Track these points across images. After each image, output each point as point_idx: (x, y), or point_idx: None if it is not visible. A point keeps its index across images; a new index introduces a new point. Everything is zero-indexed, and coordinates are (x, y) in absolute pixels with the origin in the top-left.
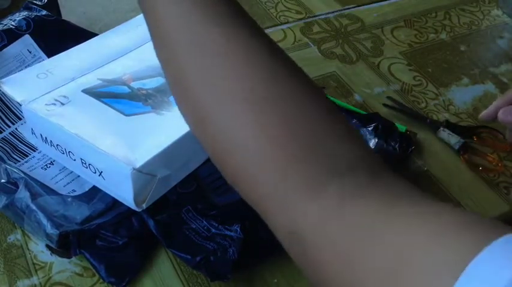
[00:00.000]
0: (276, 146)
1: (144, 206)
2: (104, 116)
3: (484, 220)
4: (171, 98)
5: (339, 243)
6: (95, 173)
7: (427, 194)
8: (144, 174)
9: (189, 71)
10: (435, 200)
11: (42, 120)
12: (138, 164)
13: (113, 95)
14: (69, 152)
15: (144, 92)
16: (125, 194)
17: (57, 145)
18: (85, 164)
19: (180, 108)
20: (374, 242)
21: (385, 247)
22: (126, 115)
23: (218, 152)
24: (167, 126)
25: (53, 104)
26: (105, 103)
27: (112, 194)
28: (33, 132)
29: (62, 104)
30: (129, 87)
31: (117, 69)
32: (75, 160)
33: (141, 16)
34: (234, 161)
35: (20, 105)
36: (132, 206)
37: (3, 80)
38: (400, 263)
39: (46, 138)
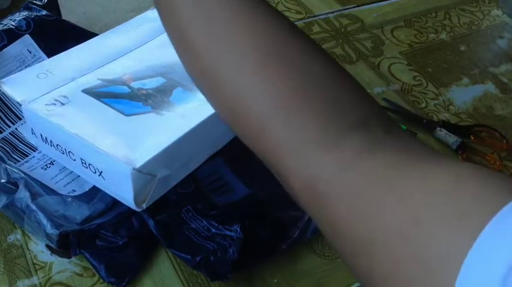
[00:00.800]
0: (288, 98)
1: (144, 206)
2: (104, 116)
3: (504, 177)
4: (171, 98)
5: (355, 195)
6: (95, 173)
7: (439, 152)
8: (144, 174)
9: (195, 29)
10: (451, 157)
11: (42, 120)
12: (138, 164)
13: (113, 95)
14: (69, 152)
15: (144, 92)
16: (125, 194)
17: (57, 145)
18: (85, 164)
19: (184, 63)
20: (391, 195)
21: (402, 199)
22: (126, 115)
23: (228, 103)
24: (167, 126)
25: (53, 104)
26: (105, 103)
27: (112, 194)
28: (33, 133)
29: (62, 104)
30: (129, 87)
31: (117, 69)
32: (75, 160)
33: (141, 16)
34: (246, 112)
35: (20, 105)
36: (132, 206)
37: (3, 80)
38: (416, 216)
39: (46, 138)
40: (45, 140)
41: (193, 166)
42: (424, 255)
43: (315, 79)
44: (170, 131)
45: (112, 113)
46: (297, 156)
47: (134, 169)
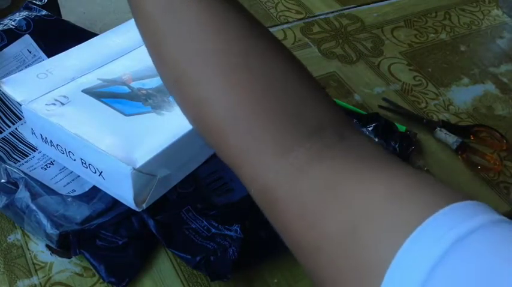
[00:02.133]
0: (246, 106)
1: (144, 206)
2: (104, 116)
3: (437, 186)
4: (171, 98)
5: (303, 201)
6: (95, 173)
7: (392, 156)
8: (144, 174)
9: (165, 34)
10: (397, 163)
11: (42, 120)
12: (138, 164)
13: (113, 95)
14: (69, 152)
15: (144, 92)
16: (125, 194)
17: (57, 145)
18: (85, 164)
19: (158, 71)
20: (334, 202)
21: (343, 207)
22: (126, 115)
23: (194, 111)
24: (167, 126)
25: (52, 104)
26: (105, 103)
27: (112, 194)
28: (33, 132)
29: (62, 104)
30: (129, 87)
31: (117, 69)
32: (75, 159)
33: None
34: (208, 120)
35: (20, 105)
36: (132, 206)
37: (3, 80)
38: (357, 222)
39: (46, 138)
40: (45, 140)
41: (193, 166)
42: (358, 263)
43: (275, 85)
44: (170, 131)
45: (112, 113)
46: (253, 162)
47: (134, 169)
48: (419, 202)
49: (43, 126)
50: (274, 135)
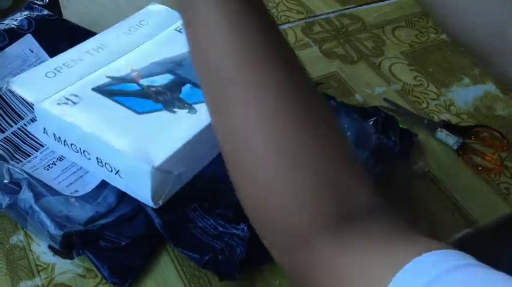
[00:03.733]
0: (290, 205)
1: (161, 202)
2: (117, 115)
3: (414, 240)
4: (181, 95)
5: (317, 282)
6: (111, 171)
7: (393, 227)
8: (162, 172)
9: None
10: (398, 237)
11: (55, 120)
12: (156, 163)
13: (124, 93)
14: (84, 151)
15: (154, 89)
16: (143, 192)
17: (71, 144)
18: (101, 163)
19: (219, 140)
20: (341, 279)
21: (345, 282)
22: (139, 113)
23: (250, 205)
24: (181, 124)
25: (65, 103)
26: (117, 101)
27: (128, 192)
28: (45, 132)
29: (74, 103)
30: (139, 85)
31: (124, 66)
32: (89, 159)
33: (143, 11)
34: (262, 210)
35: (29, 104)
36: (150, 203)
37: (13, 79)
38: None
39: (60, 137)
40: (59, 140)
41: (204, 163)
42: None
43: (313, 183)
44: (185, 128)
45: (125, 112)
46: (281, 252)
47: (154, 167)
48: (390, 263)
49: (56, 125)
50: (295, 237)
